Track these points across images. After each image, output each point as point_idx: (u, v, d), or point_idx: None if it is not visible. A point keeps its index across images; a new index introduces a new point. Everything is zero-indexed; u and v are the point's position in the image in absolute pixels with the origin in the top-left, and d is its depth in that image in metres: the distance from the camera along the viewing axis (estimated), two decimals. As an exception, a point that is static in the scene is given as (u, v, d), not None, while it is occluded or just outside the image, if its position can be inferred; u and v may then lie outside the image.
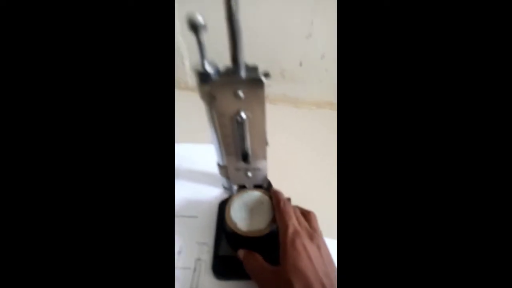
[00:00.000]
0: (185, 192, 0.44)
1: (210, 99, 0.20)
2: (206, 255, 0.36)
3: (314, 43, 0.53)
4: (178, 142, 0.51)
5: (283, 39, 0.54)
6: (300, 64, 0.56)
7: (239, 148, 0.23)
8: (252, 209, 0.33)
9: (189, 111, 0.63)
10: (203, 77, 0.19)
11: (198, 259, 0.35)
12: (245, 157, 0.24)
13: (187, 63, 0.66)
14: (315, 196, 0.42)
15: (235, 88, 0.19)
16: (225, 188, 0.31)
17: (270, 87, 0.61)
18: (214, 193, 0.44)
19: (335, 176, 0.44)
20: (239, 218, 0.32)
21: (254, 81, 0.19)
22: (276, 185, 0.41)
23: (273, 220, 0.32)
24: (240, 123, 0.21)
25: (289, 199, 0.29)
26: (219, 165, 0.27)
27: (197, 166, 0.48)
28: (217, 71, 0.20)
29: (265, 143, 0.23)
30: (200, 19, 0.16)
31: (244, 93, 0.19)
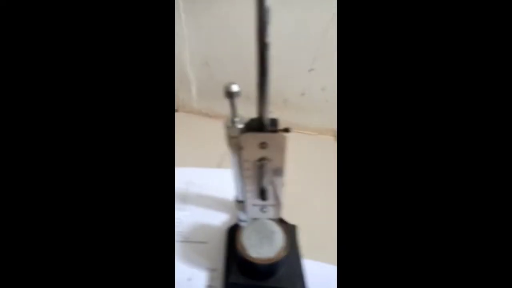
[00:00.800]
0: (193, 217, 0.46)
1: (237, 148, 0.23)
2: (216, 281, 0.37)
3: (316, 77, 0.57)
4: (185, 166, 0.54)
5: (287, 71, 0.58)
6: (302, 95, 0.61)
7: (258, 187, 0.26)
8: (263, 237, 0.35)
9: (194, 134, 0.66)
10: (232, 130, 0.22)
11: (209, 286, 0.37)
12: (263, 195, 0.27)
13: (193, 89, 0.69)
14: (315, 221, 0.44)
15: (261, 140, 0.22)
16: (240, 220, 0.33)
17: (272, 114, 0.65)
18: (222, 218, 0.46)
19: (334, 201, 0.47)
20: (249, 244, 0.34)
21: (277, 136, 0.22)
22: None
23: (282, 250, 0.34)
24: (262, 168, 0.24)
25: None
26: (237, 200, 0.29)
27: (205, 191, 0.50)
28: (245, 126, 0.23)
29: (281, 184, 0.26)
30: (235, 88, 0.19)
31: (268, 144, 0.22)
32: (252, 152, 0.23)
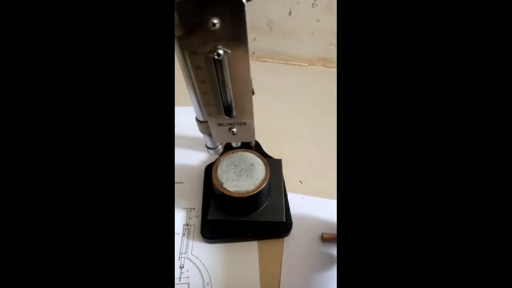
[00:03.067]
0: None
1: (179, 34, 0.16)
2: (194, 220, 0.34)
3: (305, -13, 0.47)
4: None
5: (269, -18, 0.47)
6: (289, 14, 0.50)
7: (219, 98, 0.20)
8: (242, 170, 0.31)
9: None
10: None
11: (186, 225, 0.34)
12: (228, 110, 0.21)
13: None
14: (305, 155, 0.40)
15: (208, 13, 0.15)
16: (208, 148, 0.28)
17: (257, 41, 0.56)
18: (199, 157, 0.42)
19: (326, 134, 0.42)
20: (226, 178, 0.30)
21: (231, 2, 0.14)
22: (265, 145, 0.39)
23: (262, 182, 0.30)
24: (218, 62, 0.17)
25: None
26: (198, 120, 0.23)
27: (179, 130, 0.45)
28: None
29: (250, 90, 0.19)
30: None
31: (220, 21, 0.15)
32: (200, 38, 0.16)
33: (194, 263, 0.30)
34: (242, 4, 0.14)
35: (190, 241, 0.32)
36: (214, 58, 0.17)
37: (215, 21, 0.15)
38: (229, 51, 0.17)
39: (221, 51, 0.16)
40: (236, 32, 0.16)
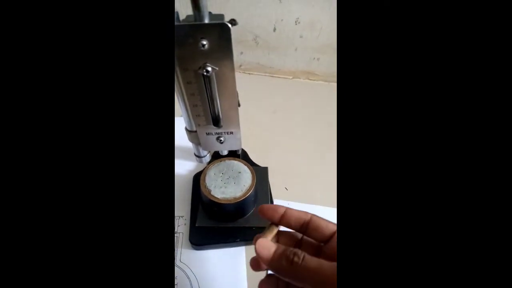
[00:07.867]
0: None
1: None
2: (183, 228, 0.35)
3: (288, 7, 0.50)
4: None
5: (255, 1, 0.50)
6: (274, 30, 0.54)
7: (208, 109, 0.22)
8: (229, 178, 0.32)
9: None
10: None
11: (176, 233, 0.34)
12: (215, 120, 0.23)
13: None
14: (290, 162, 0.42)
15: (198, 35, 0.17)
16: (197, 156, 0.29)
17: (243, 55, 0.59)
18: (187, 166, 0.43)
19: (310, 143, 0.44)
20: (214, 185, 0.31)
21: (219, 27, 0.16)
22: (251, 154, 0.41)
23: (249, 189, 0.31)
24: (207, 78, 0.19)
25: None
26: (187, 130, 0.25)
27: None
28: (177, 17, 0.17)
29: (236, 102, 0.21)
30: None
31: (208, 41, 0.17)
32: (190, 56, 0.18)
33: (182, 270, 0.31)
34: (228, 28, 0.16)
35: (179, 249, 0.33)
36: (203, 74, 0.18)
37: (204, 42, 0.17)
38: (217, 68, 0.18)
39: (209, 68, 0.18)
40: (223, 52, 0.18)
